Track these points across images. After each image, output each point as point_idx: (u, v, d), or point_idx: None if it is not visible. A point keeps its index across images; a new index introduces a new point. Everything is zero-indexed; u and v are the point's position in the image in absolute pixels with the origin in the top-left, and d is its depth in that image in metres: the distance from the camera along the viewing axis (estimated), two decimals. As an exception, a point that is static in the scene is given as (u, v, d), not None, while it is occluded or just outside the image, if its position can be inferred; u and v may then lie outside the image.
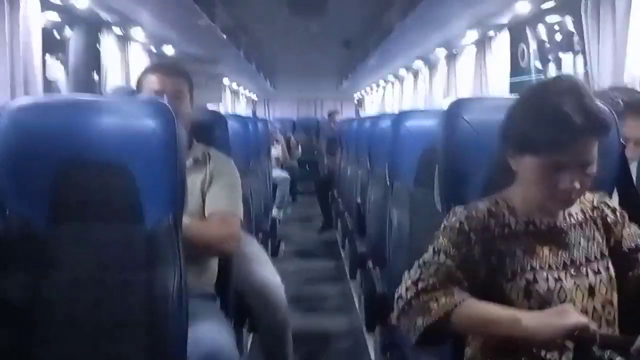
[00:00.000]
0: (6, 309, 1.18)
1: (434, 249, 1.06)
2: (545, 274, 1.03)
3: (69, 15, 3.15)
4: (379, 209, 2.72)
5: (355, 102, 12.43)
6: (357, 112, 12.29)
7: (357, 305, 3.47)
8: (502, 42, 3.54)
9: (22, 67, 2.32)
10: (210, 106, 5.83)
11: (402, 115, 2.15)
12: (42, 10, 2.75)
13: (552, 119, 0.98)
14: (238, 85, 8.77)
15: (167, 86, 1.68)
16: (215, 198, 1.64)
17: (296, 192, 8.01)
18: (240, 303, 1.96)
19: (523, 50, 3.55)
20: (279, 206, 6.58)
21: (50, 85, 3.18)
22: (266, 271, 2.13)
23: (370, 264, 2.71)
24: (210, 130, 2.08)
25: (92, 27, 3.47)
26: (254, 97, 12.00)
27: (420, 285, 1.02)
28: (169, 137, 1.23)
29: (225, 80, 7.34)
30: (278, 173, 6.50)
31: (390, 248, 2.13)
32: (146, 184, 1.21)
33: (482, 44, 3.78)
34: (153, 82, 1.70)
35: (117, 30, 3.55)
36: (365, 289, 2.76)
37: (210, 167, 1.69)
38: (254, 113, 12.50)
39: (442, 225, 1.10)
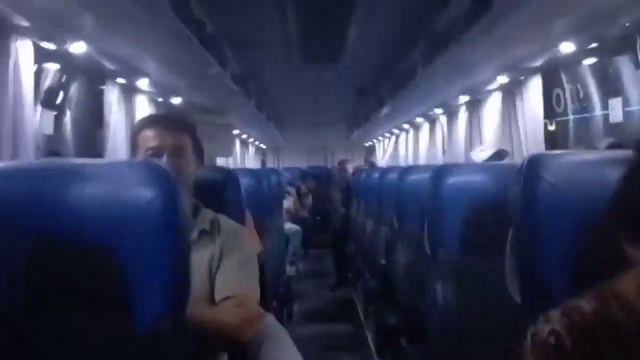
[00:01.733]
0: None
1: None
2: None
3: (69, 65, 2.94)
4: (412, 276, 2.41)
5: (367, 150, 12.22)
6: (367, 161, 12.04)
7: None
8: (534, 87, 3.28)
9: (11, 120, 2.07)
10: (220, 160, 5.59)
11: (443, 170, 1.88)
12: (41, 62, 2.56)
13: None
14: (248, 135, 8.58)
15: (167, 142, 1.44)
16: (226, 279, 1.36)
17: (308, 245, 7.69)
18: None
19: (558, 94, 3.29)
20: (292, 261, 6.26)
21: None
22: (288, 357, 1.80)
23: (404, 341, 2.37)
24: (219, 191, 1.82)
25: (94, 77, 3.25)
26: (263, 146, 11.83)
27: None
28: (169, 209, 1.00)
29: (235, 131, 7.15)
30: (289, 226, 6.22)
31: (432, 326, 1.82)
32: (140, 268, 0.98)
33: (512, 89, 3.52)
34: (149, 138, 1.45)
35: (121, 80, 3.32)
36: (400, 374, 2.40)
37: (221, 239, 1.42)
38: (263, 163, 12.34)
39: (530, 337, 0.77)
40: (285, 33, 3.64)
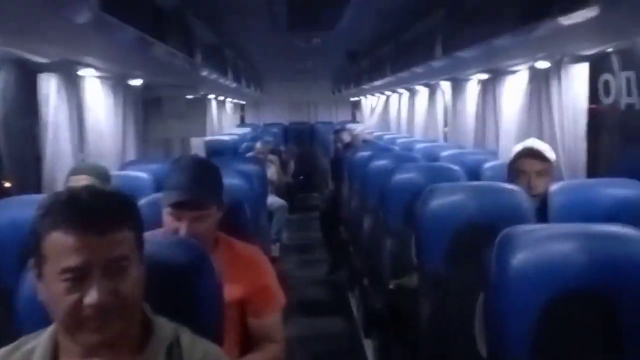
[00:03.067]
0: None
1: None
2: None
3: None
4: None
5: (352, 105, 11.50)
6: (353, 117, 11.39)
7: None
8: (577, 72, 2.65)
9: None
10: (195, 140, 4.92)
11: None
12: None
13: None
14: (224, 97, 7.81)
15: (96, 254, 0.93)
16: None
17: (294, 210, 7.26)
18: None
19: (607, 82, 2.68)
20: (276, 239, 5.77)
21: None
22: None
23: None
24: (185, 278, 1.30)
25: (23, 70, 2.52)
26: (242, 102, 11.01)
27: None
28: None
29: (210, 96, 6.40)
30: (272, 199, 5.66)
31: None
32: None
33: (546, 72, 2.88)
34: (65, 251, 0.93)
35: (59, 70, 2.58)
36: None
37: None
38: (242, 119, 11.58)
39: None
40: (269, 2, 2.90)
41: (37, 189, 2.76)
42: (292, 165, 7.58)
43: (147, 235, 1.68)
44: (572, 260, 1.36)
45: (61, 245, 0.93)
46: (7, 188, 2.76)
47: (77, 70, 2.61)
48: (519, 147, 2.29)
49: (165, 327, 1.06)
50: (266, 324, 1.64)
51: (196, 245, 1.38)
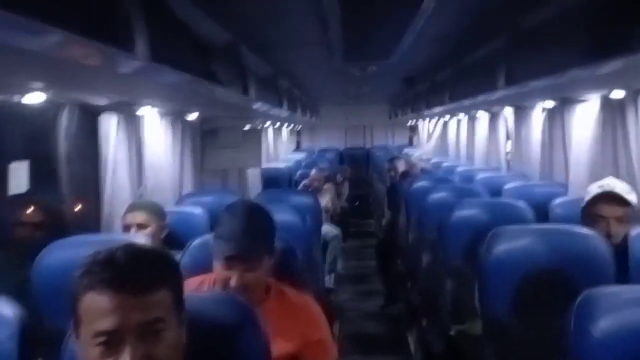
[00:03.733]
0: None
1: None
2: None
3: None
4: None
5: (409, 128, 11.32)
6: (410, 141, 11.20)
7: None
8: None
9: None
10: (251, 169, 4.94)
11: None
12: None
13: None
14: (280, 124, 7.87)
15: (132, 319, 0.91)
16: None
17: (348, 235, 7.18)
18: None
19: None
20: (331, 270, 5.66)
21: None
22: None
23: None
24: (231, 338, 1.25)
25: (85, 111, 2.57)
26: (298, 127, 11.08)
27: None
28: None
29: (266, 124, 6.45)
30: (327, 228, 5.58)
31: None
32: None
33: (620, 101, 2.67)
34: (100, 312, 0.92)
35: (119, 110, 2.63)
36: None
37: None
38: (298, 144, 11.65)
39: None
40: (324, 34, 2.86)
41: (97, 226, 2.81)
42: (346, 187, 7.48)
43: (193, 282, 1.65)
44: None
45: (95, 306, 0.90)
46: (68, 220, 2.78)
47: (135, 110, 2.65)
48: (594, 189, 2.05)
49: None
50: None
51: (243, 302, 1.34)
